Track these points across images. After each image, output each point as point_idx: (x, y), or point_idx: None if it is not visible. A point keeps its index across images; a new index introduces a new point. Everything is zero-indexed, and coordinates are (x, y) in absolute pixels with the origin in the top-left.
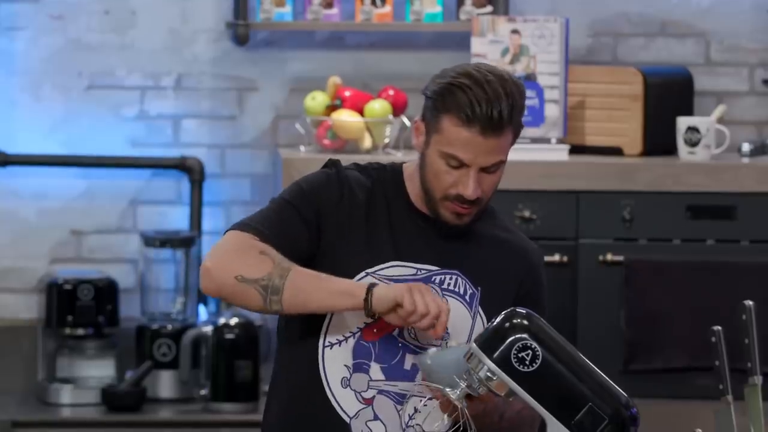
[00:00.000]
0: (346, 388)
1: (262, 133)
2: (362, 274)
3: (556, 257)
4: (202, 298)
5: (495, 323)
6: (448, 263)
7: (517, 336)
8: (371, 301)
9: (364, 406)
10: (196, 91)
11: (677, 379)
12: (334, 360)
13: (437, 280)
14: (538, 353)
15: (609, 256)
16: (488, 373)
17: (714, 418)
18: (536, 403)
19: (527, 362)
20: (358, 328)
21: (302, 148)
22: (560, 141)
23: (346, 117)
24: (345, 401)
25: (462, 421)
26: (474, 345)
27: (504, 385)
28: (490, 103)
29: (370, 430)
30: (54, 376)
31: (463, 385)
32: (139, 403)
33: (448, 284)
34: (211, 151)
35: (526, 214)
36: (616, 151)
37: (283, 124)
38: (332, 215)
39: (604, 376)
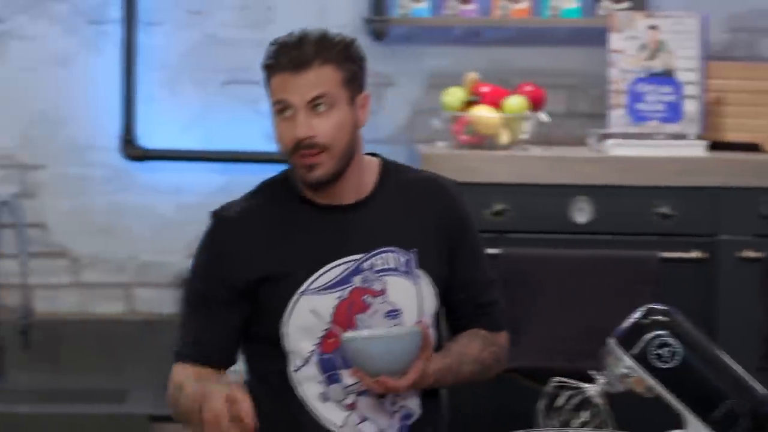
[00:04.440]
0: (326, 402)
1: (400, 129)
2: (295, 297)
3: (694, 254)
4: None
5: (633, 319)
6: (370, 243)
7: (655, 332)
8: None
9: (349, 412)
10: None
11: None
12: (306, 380)
13: (367, 266)
14: (676, 349)
15: (747, 253)
16: (626, 369)
17: None
18: (674, 399)
19: (665, 358)
20: (314, 345)
21: (439, 143)
22: (698, 137)
23: (483, 112)
24: (329, 414)
25: (601, 420)
26: (612, 341)
27: (642, 381)
28: (291, 44)
29: None
30: None
31: (602, 380)
32: None
33: (381, 264)
34: None
35: (664, 210)
36: (754, 148)
37: (421, 119)
38: (237, 271)
39: (743, 372)
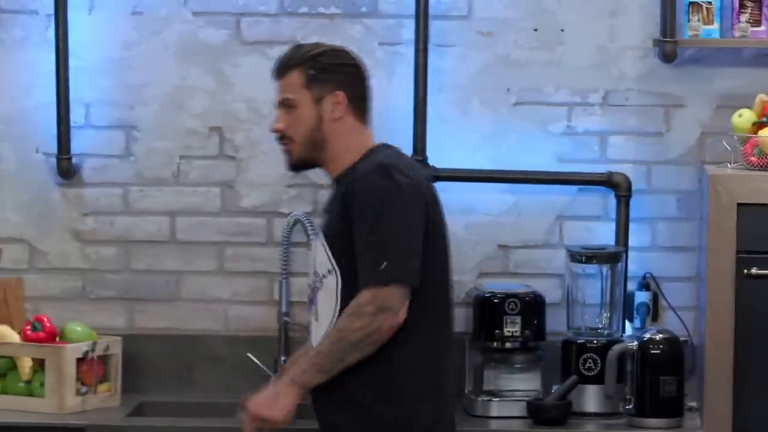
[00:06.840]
0: None
1: (689, 150)
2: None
3: None
4: (628, 314)
5: None
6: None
7: None
8: None
9: None
10: (622, 107)
11: None
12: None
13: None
14: None
15: None
16: None
17: None
18: None
19: None
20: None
21: (729, 165)
22: None
23: None
24: None
25: None
26: None
27: None
28: (280, 57)
29: None
30: (481, 389)
31: None
32: (564, 416)
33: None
34: (637, 168)
35: None
36: None
37: (710, 140)
38: None
39: None
